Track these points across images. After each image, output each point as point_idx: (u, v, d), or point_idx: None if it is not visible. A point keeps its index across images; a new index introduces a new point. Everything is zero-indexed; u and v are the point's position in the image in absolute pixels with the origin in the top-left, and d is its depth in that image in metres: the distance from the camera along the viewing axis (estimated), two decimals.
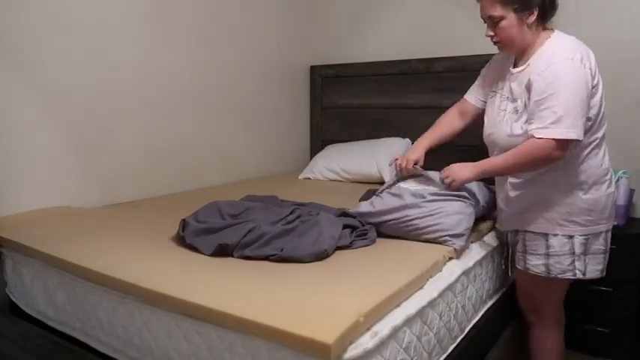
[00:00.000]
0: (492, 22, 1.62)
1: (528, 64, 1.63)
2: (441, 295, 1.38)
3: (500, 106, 1.72)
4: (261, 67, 3.01)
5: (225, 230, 1.53)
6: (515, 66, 1.71)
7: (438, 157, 2.91)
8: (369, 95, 3.18)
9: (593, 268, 1.63)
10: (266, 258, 1.42)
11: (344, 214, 1.72)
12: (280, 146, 3.25)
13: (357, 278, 1.29)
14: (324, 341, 0.95)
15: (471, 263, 1.60)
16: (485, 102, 1.86)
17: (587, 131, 1.56)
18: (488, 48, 2.69)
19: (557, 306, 1.79)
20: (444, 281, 1.43)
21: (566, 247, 1.60)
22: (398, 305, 1.21)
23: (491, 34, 1.64)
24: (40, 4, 1.91)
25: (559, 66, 1.51)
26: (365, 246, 1.56)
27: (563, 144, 1.50)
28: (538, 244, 1.65)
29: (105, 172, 2.21)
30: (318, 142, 3.44)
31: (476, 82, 1.98)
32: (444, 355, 1.41)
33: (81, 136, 2.10)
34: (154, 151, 2.41)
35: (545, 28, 1.64)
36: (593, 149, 1.60)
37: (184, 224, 1.59)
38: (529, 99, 1.58)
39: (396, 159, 1.96)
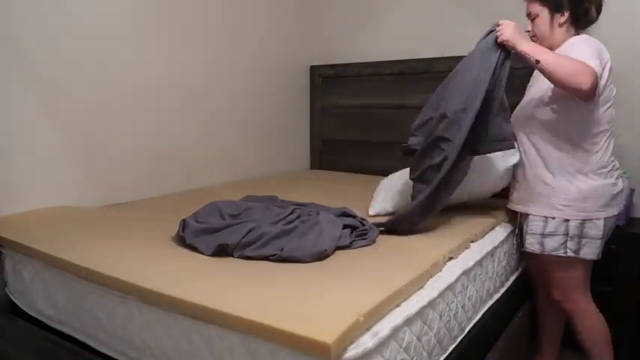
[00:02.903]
0: (531, 19, 1.82)
1: None
2: (441, 295, 1.38)
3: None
4: (261, 67, 3.02)
5: (225, 230, 1.53)
6: None
7: None
8: (369, 95, 3.18)
9: (588, 250, 1.76)
10: (266, 258, 1.42)
11: (344, 214, 1.72)
12: (280, 146, 3.25)
13: (357, 278, 1.29)
14: (324, 341, 0.95)
15: (471, 263, 1.60)
16: None
17: (595, 122, 1.70)
18: None
19: (579, 290, 1.83)
20: (444, 281, 1.42)
21: (561, 229, 1.76)
22: (398, 305, 1.21)
23: (529, 29, 1.83)
24: (40, 5, 1.91)
25: (575, 41, 1.71)
26: (365, 246, 1.56)
27: (594, 78, 1.55)
28: (537, 226, 1.81)
29: (105, 172, 2.21)
30: (318, 142, 3.44)
31: None
32: (444, 355, 1.41)
33: (81, 136, 2.10)
34: (154, 151, 2.41)
35: (577, 34, 1.78)
36: (597, 141, 1.72)
37: (184, 224, 1.59)
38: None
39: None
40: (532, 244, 1.83)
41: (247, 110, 2.95)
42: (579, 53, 1.62)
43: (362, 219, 1.72)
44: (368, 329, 1.08)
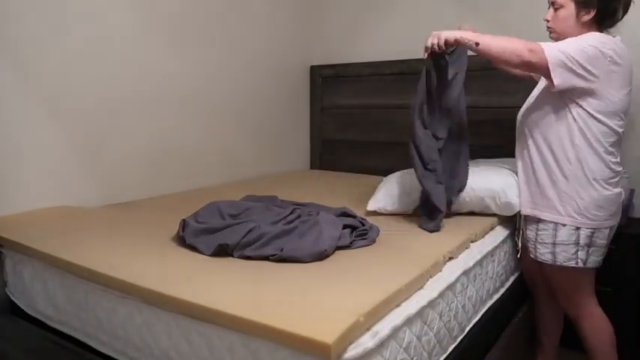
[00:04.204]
0: (553, 9, 1.72)
1: None
2: (441, 295, 1.38)
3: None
4: (261, 67, 3.02)
5: (225, 230, 1.53)
6: None
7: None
8: (369, 95, 3.18)
9: (595, 259, 1.72)
10: (266, 258, 1.42)
11: (344, 214, 1.72)
12: (280, 146, 3.25)
13: (357, 278, 1.29)
14: (324, 341, 0.95)
15: (471, 263, 1.61)
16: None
17: (615, 131, 1.65)
18: None
19: (585, 295, 1.80)
20: (444, 281, 1.43)
21: (573, 238, 1.69)
22: (398, 305, 1.22)
23: (548, 18, 1.73)
24: (41, 5, 1.91)
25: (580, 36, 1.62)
26: (365, 246, 1.56)
27: (541, 57, 1.56)
28: (547, 234, 1.74)
29: (105, 172, 2.21)
30: (318, 142, 3.44)
31: None
32: (444, 355, 1.41)
33: (81, 136, 2.10)
34: (154, 151, 2.41)
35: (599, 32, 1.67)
36: (615, 150, 1.68)
37: (184, 224, 1.59)
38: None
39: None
40: (544, 254, 1.75)
41: (247, 110, 2.95)
42: (563, 43, 1.59)
43: (362, 219, 1.72)
44: (368, 329, 1.08)
